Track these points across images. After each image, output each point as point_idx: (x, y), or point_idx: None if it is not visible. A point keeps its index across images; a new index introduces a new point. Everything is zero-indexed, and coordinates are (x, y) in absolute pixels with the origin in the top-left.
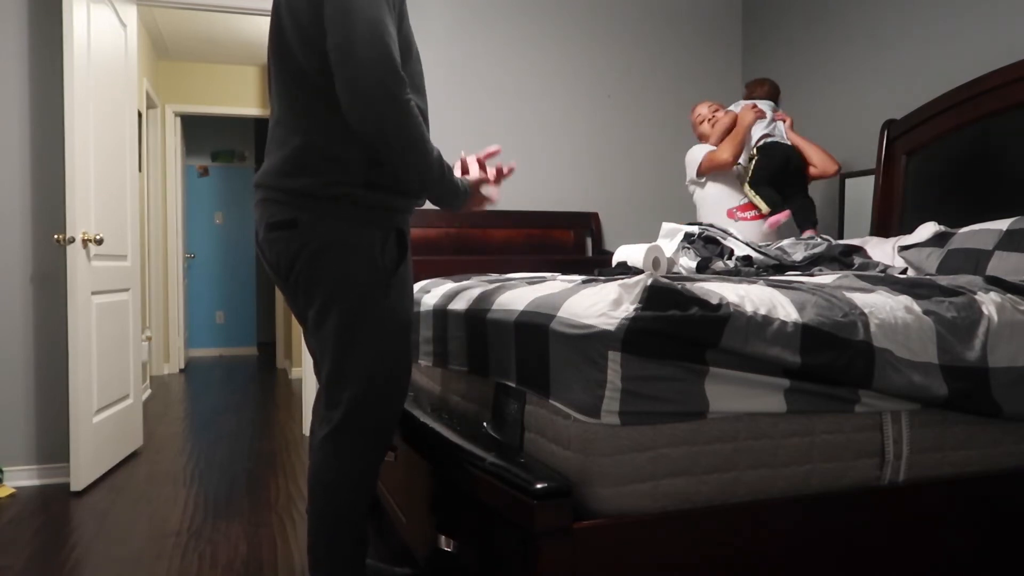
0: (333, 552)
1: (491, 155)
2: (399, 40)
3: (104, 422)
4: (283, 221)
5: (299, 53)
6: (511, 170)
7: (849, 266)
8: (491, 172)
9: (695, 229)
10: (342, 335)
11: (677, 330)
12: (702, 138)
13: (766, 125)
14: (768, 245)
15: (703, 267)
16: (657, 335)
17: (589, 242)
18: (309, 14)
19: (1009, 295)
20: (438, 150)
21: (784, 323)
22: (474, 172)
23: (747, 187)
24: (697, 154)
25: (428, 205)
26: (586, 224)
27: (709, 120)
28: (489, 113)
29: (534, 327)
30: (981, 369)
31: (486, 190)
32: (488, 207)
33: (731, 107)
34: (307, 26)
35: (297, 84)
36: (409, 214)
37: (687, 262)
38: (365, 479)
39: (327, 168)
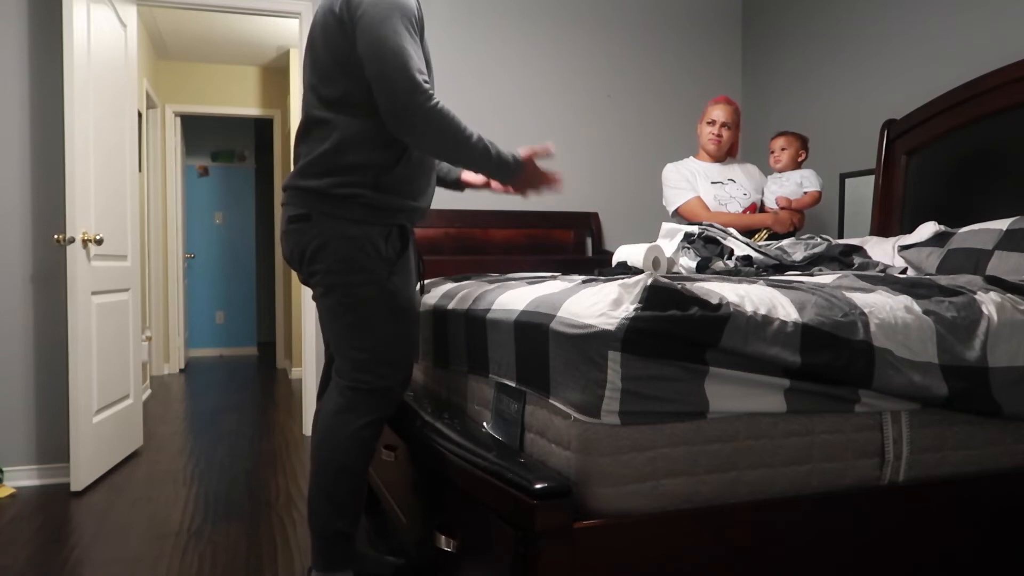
0: (331, 498)
1: (545, 152)
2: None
3: (104, 422)
4: (299, 215)
5: (337, 76)
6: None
7: (849, 266)
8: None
9: (695, 229)
10: (349, 313)
11: (677, 330)
12: (708, 144)
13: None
14: (768, 245)
15: (703, 267)
16: (657, 335)
17: (589, 242)
18: (345, 49)
19: (1009, 295)
20: (479, 134)
21: (784, 323)
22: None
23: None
24: (671, 181)
25: (434, 204)
26: (586, 224)
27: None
28: (489, 113)
29: (534, 327)
30: (981, 369)
31: (550, 169)
32: (556, 189)
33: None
34: (343, 57)
35: (334, 100)
36: (415, 214)
37: (687, 262)
38: (366, 434)
39: (343, 172)
